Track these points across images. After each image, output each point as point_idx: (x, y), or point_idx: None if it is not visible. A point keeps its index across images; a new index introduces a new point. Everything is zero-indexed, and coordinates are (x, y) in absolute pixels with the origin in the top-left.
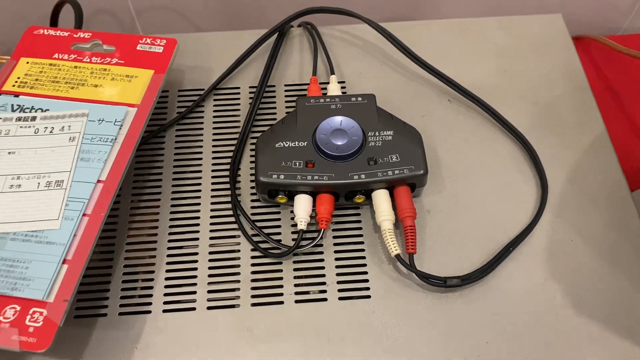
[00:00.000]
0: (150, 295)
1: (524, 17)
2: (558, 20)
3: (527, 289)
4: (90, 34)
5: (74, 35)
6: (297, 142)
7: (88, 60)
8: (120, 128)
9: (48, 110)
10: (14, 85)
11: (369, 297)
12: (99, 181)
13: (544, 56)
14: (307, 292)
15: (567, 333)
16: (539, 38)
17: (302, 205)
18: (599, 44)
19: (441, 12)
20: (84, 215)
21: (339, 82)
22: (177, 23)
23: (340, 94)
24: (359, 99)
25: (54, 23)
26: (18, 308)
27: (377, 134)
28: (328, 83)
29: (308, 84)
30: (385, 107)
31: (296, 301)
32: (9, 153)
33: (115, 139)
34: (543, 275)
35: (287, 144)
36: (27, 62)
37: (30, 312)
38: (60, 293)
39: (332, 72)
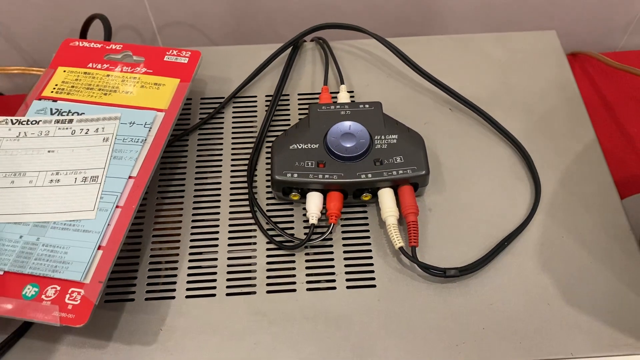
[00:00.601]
0: (174, 283)
1: (521, 33)
2: (552, 37)
3: (520, 280)
4: (122, 46)
5: (107, 47)
6: (309, 144)
7: (119, 69)
8: (149, 130)
9: (83, 113)
10: (52, 92)
11: (374, 286)
12: (130, 177)
13: (539, 70)
14: (317, 281)
15: (557, 321)
16: (534, 53)
17: (314, 201)
18: (595, 60)
19: (447, 29)
20: (117, 207)
21: (348, 92)
22: (195, 38)
23: (349, 102)
24: (367, 106)
25: (83, 36)
26: (58, 288)
27: (382, 137)
28: (338, 92)
29: (320, 93)
30: (390, 114)
31: (307, 289)
32: (49, 151)
33: (145, 139)
34: (535, 268)
35: (300, 146)
36: (64, 71)
37: (69, 291)
38: (95, 275)
39: (342, 82)
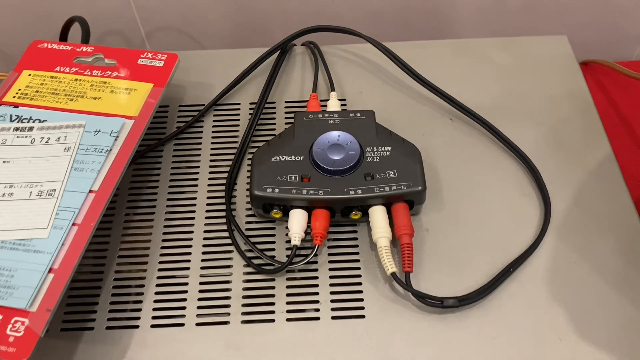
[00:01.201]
0: (139, 310)
1: (528, 37)
2: (563, 42)
3: (528, 312)
4: (93, 48)
5: (77, 49)
6: (293, 157)
7: (89, 73)
8: (115, 139)
9: (46, 120)
10: (14, 97)
11: (363, 316)
12: (90, 191)
13: (549, 77)
14: (299, 311)
15: (570, 358)
16: (543, 59)
17: (297, 220)
18: (608, 69)
19: (453, 33)
20: (73, 224)
21: (339, 100)
22: (186, 44)
23: (340, 110)
24: (358, 114)
25: (63, 40)
26: (0, 317)
27: (375, 149)
28: (328, 100)
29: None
30: (385, 125)
31: (288, 319)
32: (4, 162)
33: (110, 149)
34: (545, 298)
35: (283, 157)
36: (29, 75)
37: (12, 321)
38: (44, 302)
39: (333, 89)
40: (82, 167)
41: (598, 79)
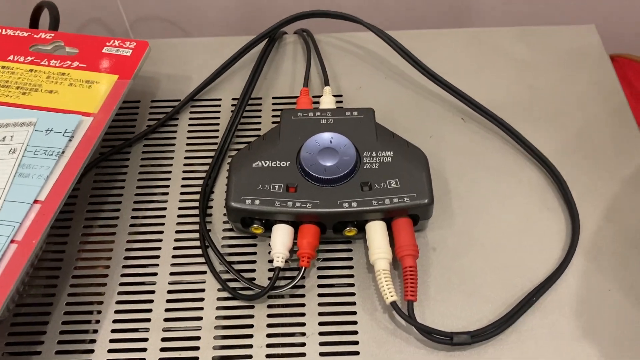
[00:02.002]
0: (94, 341)
1: (551, 27)
2: (591, 32)
3: (554, 350)
4: (53, 35)
5: (34, 36)
6: (278, 162)
7: (46, 63)
8: (70, 140)
9: None
10: None
11: (357, 353)
12: (36, 201)
13: (575, 72)
14: (281, 345)
15: None
16: (569, 51)
17: (281, 237)
18: (636, 64)
19: (466, 21)
20: (12, 241)
21: (334, 96)
22: (173, 34)
23: (334, 108)
24: (355, 113)
25: (34, 27)
26: None
27: (374, 154)
28: (321, 96)
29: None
30: (387, 125)
31: (267, 355)
32: None
33: (63, 152)
34: (574, 333)
35: (266, 163)
36: None
37: None
38: None
39: (327, 84)
40: (28, 172)
41: (625, 75)
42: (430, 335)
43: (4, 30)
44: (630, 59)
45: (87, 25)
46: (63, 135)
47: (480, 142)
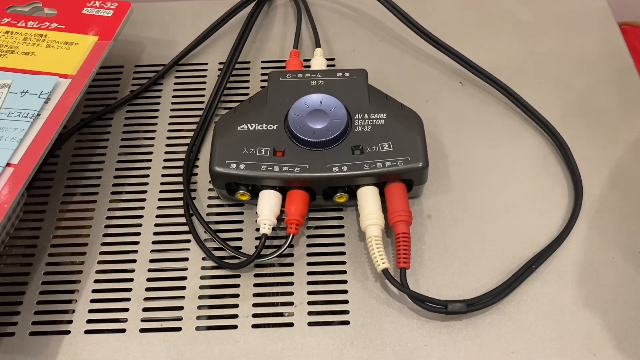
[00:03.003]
0: (72, 311)
1: None
2: None
3: (554, 320)
4: None
5: None
6: (264, 125)
7: (23, 24)
8: (46, 102)
9: None
10: None
11: (347, 322)
12: (8, 164)
13: (579, 34)
14: (268, 314)
15: None
16: (572, 13)
17: (267, 203)
18: None
19: None
20: None
21: (327, 59)
22: None
23: (324, 69)
24: (347, 74)
25: None
26: None
27: (366, 116)
28: (312, 59)
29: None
30: (381, 89)
31: (254, 325)
32: None
33: (39, 114)
34: (576, 302)
35: (252, 126)
36: None
37: None
38: None
39: (318, 45)
40: (1, 135)
41: (633, 45)
42: (424, 303)
43: None
44: (638, 26)
45: None
46: (39, 97)
47: (479, 107)
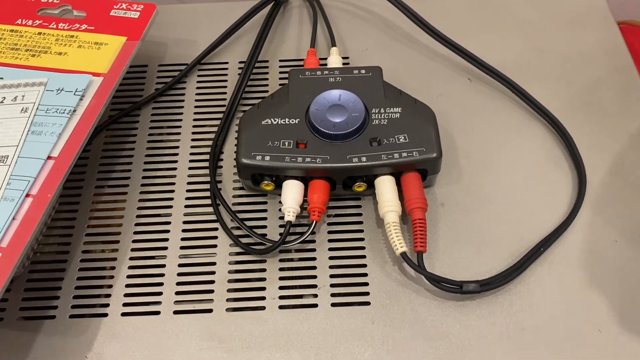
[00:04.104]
0: (109, 296)
1: None
2: None
3: (561, 298)
4: None
5: (42, 0)
6: (287, 120)
7: (54, 26)
8: (81, 99)
9: (2, 78)
10: None
11: (368, 303)
12: (49, 157)
13: (580, 32)
14: (294, 297)
15: (611, 353)
16: (574, 12)
17: (291, 192)
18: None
19: None
20: (27, 195)
21: (342, 58)
22: (170, 2)
23: (341, 66)
24: (363, 71)
25: None
26: None
27: (382, 110)
28: (328, 57)
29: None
30: (394, 85)
31: (280, 307)
32: None
33: (75, 110)
34: (581, 282)
35: (275, 120)
36: None
37: None
38: None
39: (334, 44)
40: (41, 130)
41: (631, 42)
42: (440, 284)
43: None
44: (636, 25)
45: None
46: (74, 94)
47: (486, 101)
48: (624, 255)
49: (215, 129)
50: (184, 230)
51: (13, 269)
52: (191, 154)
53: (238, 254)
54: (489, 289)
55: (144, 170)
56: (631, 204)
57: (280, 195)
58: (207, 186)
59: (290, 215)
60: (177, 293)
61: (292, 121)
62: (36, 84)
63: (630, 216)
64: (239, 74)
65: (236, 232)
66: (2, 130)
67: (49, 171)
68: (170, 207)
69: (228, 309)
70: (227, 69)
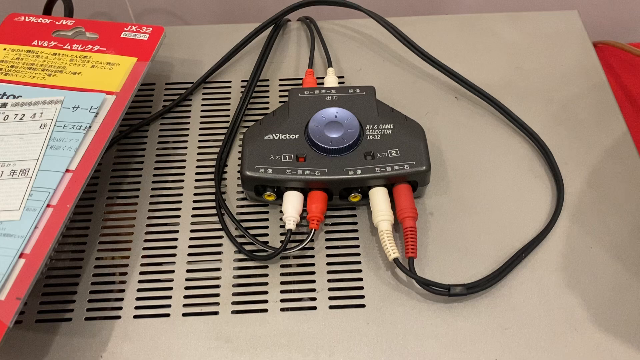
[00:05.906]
0: (121, 299)
1: (537, 13)
2: (574, 17)
3: (541, 300)
4: (73, 21)
5: (56, 23)
6: (287, 135)
7: (69, 47)
8: (95, 116)
9: (21, 96)
10: None
11: (363, 306)
12: (67, 170)
13: (559, 53)
14: (294, 300)
15: (586, 351)
16: (553, 35)
17: (292, 202)
18: (620, 51)
19: (457, 8)
20: (48, 205)
21: (337, 77)
22: (175, 24)
23: (337, 86)
24: (357, 90)
25: None
26: None
27: (375, 127)
28: (325, 77)
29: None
30: (386, 103)
31: (282, 309)
32: None
33: (90, 127)
34: (559, 285)
35: (277, 136)
36: (4, 49)
37: None
38: (13, 290)
39: (330, 65)
40: (59, 145)
41: (608, 61)
42: (429, 287)
43: (26, 17)
44: (613, 45)
45: (93, 17)
46: (89, 111)
47: (472, 118)
48: (599, 260)
49: (219, 143)
50: (192, 238)
51: (36, 274)
52: (197, 166)
53: (242, 260)
54: (474, 291)
55: (153, 182)
56: (606, 214)
57: (281, 205)
58: (213, 197)
59: (290, 224)
60: (186, 297)
61: (293, 136)
62: (53, 102)
63: (604, 224)
64: (241, 92)
65: (240, 240)
66: (22, 145)
67: (67, 183)
68: (178, 216)
69: (233, 311)
70: (230, 87)
